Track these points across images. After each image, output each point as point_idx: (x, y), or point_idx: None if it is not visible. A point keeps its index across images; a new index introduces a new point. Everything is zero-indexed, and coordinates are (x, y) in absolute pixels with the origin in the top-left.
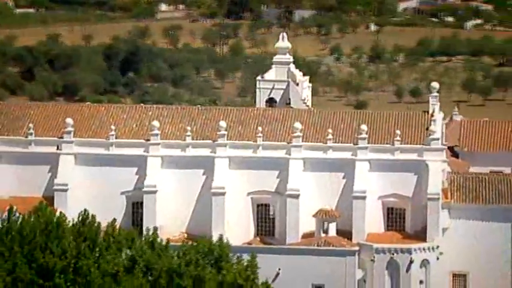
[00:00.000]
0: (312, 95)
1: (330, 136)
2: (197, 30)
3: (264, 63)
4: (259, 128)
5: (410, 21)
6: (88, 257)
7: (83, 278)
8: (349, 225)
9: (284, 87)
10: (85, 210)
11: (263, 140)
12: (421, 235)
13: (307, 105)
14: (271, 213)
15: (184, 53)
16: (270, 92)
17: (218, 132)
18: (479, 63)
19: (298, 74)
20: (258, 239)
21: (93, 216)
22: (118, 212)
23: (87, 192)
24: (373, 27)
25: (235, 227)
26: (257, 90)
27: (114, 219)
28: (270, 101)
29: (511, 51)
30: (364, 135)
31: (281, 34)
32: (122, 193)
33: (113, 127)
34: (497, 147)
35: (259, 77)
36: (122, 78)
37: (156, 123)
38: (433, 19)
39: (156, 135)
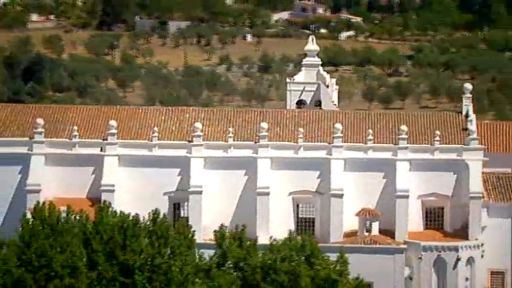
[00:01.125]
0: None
1: (371, 137)
2: (77, 41)
3: (160, 72)
4: (301, 129)
5: (285, 33)
6: (162, 255)
7: (162, 275)
8: (389, 224)
9: (314, 89)
10: (156, 209)
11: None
12: (460, 233)
13: (338, 107)
14: (312, 213)
15: (77, 62)
16: (301, 94)
17: (259, 134)
18: (371, 73)
19: (327, 76)
20: (300, 238)
21: (164, 215)
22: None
23: (131, 192)
24: (249, 38)
25: (277, 227)
26: (287, 92)
27: (184, 218)
28: (300, 103)
29: (396, 61)
30: (404, 136)
31: (310, 37)
32: (165, 194)
33: (156, 129)
34: (506, 148)
35: (288, 79)
36: (25, 87)
37: (198, 124)
38: (306, 31)
39: (199, 136)
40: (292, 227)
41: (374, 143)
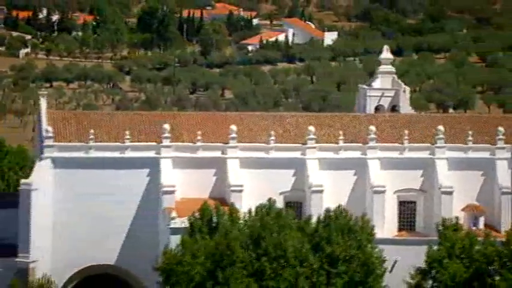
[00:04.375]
0: None
1: (470, 137)
2: None
3: None
4: (406, 131)
5: None
6: (353, 247)
7: (361, 266)
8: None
9: (391, 94)
10: (340, 205)
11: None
12: None
13: (415, 111)
14: (414, 209)
15: None
16: (379, 100)
17: (368, 136)
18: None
19: (401, 83)
20: (404, 233)
21: (345, 210)
22: None
23: (250, 193)
24: None
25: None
26: (367, 98)
27: (365, 214)
28: (377, 108)
29: (115, 77)
30: (501, 136)
31: (385, 46)
32: (280, 193)
33: (272, 132)
34: None
35: (364, 86)
36: None
37: (312, 128)
38: None
39: (312, 139)
40: (396, 223)
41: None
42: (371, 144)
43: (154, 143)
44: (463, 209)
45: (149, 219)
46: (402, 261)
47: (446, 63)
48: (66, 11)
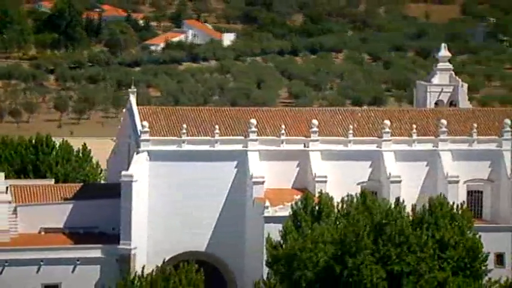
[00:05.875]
0: None
1: None
2: None
3: None
4: (474, 125)
5: None
6: (457, 233)
7: (468, 251)
8: None
9: (450, 90)
10: (441, 193)
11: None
12: None
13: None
14: (481, 198)
15: None
16: (439, 95)
17: (440, 129)
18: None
19: (459, 79)
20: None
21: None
22: None
23: (331, 183)
24: None
25: None
26: (427, 94)
27: (463, 202)
28: (437, 104)
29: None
30: None
31: (443, 44)
32: (358, 183)
33: (351, 126)
34: None
35: (422, 82)
36: None
37: (387, 122)
38: None
39: (388, 133)
40: None
41: None
42: (442, 137)
43: (242, 137)
44: None
45: (237, 208)
46: None
47: (344, 63)
48: None
